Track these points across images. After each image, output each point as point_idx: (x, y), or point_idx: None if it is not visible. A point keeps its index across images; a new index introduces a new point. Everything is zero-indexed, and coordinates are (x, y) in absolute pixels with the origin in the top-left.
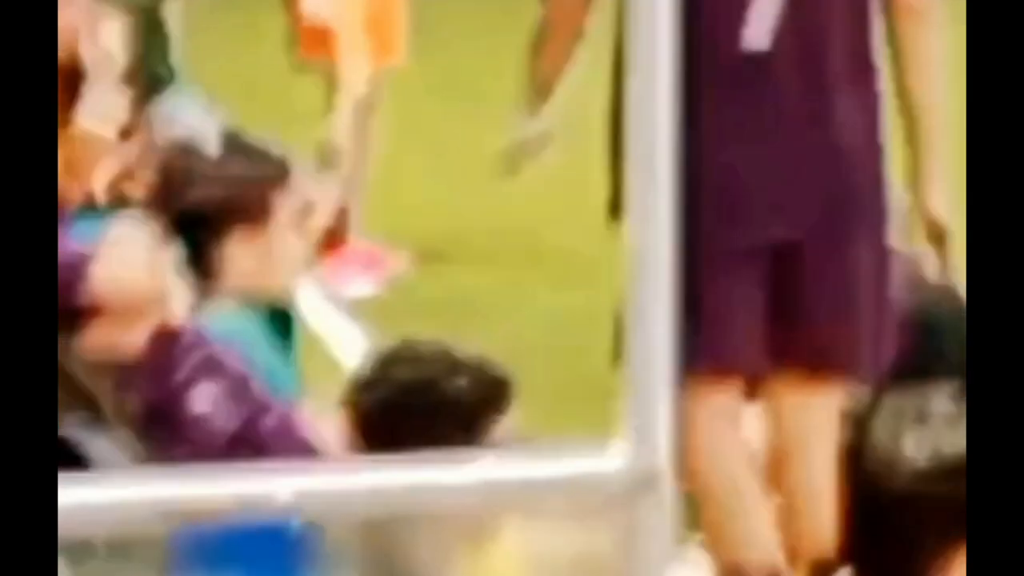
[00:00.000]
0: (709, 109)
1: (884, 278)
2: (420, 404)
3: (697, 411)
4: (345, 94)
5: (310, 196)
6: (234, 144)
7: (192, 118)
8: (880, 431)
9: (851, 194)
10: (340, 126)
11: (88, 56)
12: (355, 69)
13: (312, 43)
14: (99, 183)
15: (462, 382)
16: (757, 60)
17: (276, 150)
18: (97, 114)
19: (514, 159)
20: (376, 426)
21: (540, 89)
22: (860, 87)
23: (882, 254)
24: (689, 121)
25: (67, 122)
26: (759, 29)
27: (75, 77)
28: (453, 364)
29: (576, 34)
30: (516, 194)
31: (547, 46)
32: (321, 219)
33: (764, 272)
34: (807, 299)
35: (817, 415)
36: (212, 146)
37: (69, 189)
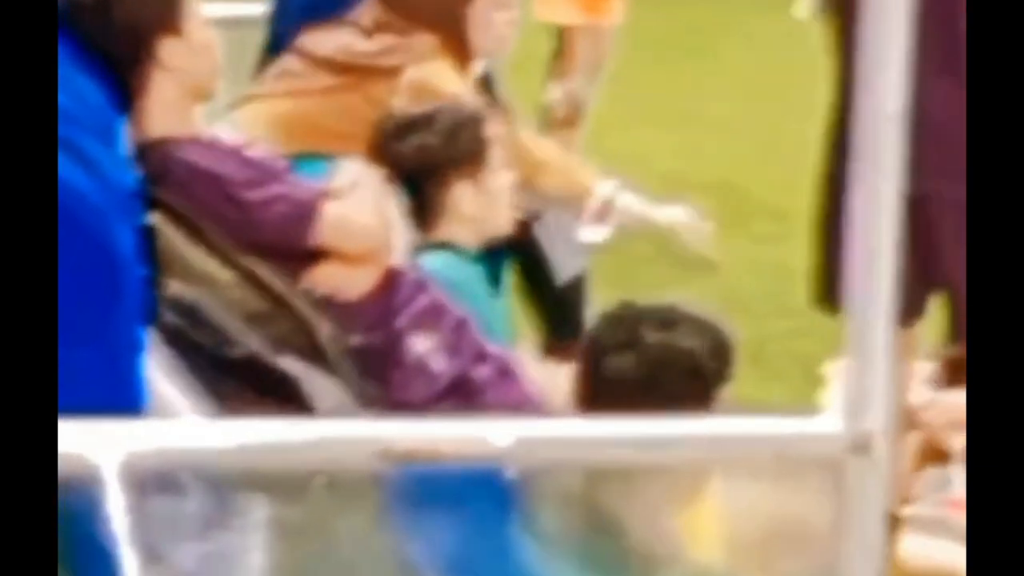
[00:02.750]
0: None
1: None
2: (657, 367)
3: None
4: (601, 50)
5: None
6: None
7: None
8: None
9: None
10: (585, 83)
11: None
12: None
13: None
14: None
15: (698, 344)
16: None
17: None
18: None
19: None
20: (609, 388)
21: None
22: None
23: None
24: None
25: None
26: None
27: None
28: (690, 325)
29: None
30: (726, 151)
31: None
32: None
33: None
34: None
35: None
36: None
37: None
